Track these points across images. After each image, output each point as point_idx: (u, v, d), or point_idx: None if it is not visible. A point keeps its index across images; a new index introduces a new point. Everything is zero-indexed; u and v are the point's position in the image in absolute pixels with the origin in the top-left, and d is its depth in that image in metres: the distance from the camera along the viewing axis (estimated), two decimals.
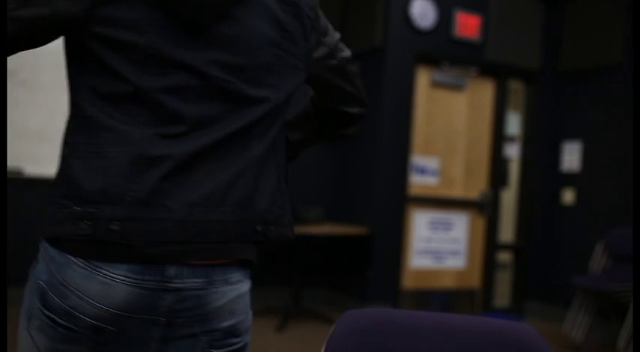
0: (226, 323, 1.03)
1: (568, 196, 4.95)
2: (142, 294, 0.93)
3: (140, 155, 0.92)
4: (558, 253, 5.00)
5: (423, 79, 4.77)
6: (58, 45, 4.21)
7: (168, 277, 0.95)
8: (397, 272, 4.59)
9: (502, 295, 5.24)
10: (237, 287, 1.03)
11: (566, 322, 4.37)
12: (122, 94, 0.94)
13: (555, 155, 5.14)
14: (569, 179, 4.97)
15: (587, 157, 4.84)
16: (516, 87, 5.26)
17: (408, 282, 4.72)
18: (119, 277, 0.92)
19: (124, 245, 0.91)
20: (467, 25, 4.79)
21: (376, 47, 4.66)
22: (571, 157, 4.97)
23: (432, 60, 4.73)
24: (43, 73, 4.16)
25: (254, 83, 1.02)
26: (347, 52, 1.23)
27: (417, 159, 4.74)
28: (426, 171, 4.77)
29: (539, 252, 5.18)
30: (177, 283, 0.95)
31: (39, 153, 4.14)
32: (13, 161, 4.07)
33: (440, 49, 4.72)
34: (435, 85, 4.80)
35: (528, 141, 5.18)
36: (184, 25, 0.95)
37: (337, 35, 1.22)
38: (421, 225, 4.75)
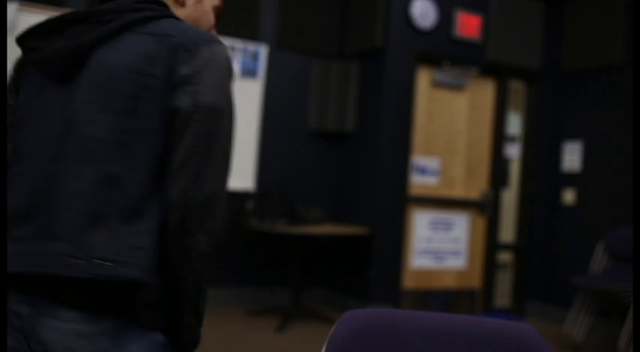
0: None
1: (569, 196, 4.95)
2: (9, 312, 1.04)
3: None
4: (559, 253, 5.00)
5: (423, 78, 4.77)
6: None
7: (10, 300, 1.03)
8: (398, 272, 4.59)
9: (502, 295, 5.24)
10: (72, 326, 0.99)
11: (566, 322, 4.37)
12: (11, 155, 1.11)
13: (556, 155, 5.14)
14: (570, 179, 4.97)
15: (587, 157, 4.84)
16: (517, 87, 5.26)
17: (408, 282, 4.72)
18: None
19: None
20: (467, 25, 4.79)
21: (377, 47, 4.66)
22: (571, 157, 4.97)
23: (433, 60, 4.73)
24: None
25: (97, 110, 1.04)
26: (213, 136, 1.06)
27: (418, 159, 4.74)
28: (426, 171, 4.77)
29: (539, 252, 5.18)
30: (14, 306, 1.02)
31: None
32: None
33: (440, 49, 4.72)
34: (436, 84, 4.80)
35: (529, 141, 5.18)
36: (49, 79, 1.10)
37: (216, 103, 1.07)
38: (422, 225, 4.75)
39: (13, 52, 4.07)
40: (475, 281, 4.98)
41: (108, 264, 0.98)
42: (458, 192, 4.89)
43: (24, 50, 1.10)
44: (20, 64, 1.15)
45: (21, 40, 1.10)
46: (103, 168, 1.01)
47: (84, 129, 1.03)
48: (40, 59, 1.09)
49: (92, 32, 1.07)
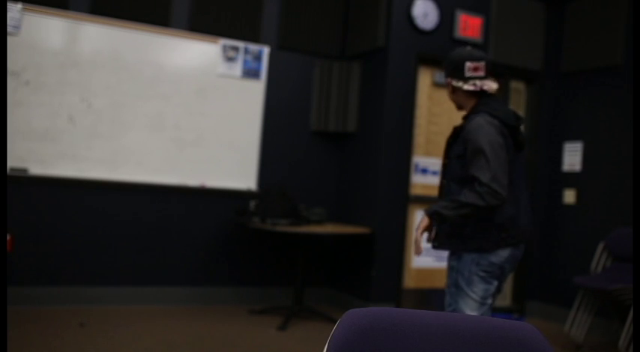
0: None
1: (569, 196, 4.96)
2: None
3: None
4: (559, 253, 5.01)
5: (424, 79, 4.78)
6: (61, 45, 4.23)
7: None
8: (399, 271, 4.61)
9: (503, 295, 5.25)
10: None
11: (567, 322, 4.38)
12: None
13: (556, 155, 5.15)
14: (571, 179, 4.98)
15: (588, 157, 4.85)
16: (518, 87, 5.27)
17: (409, 282, 4.74)
18: None
19: None
20: (468, 25, 4.80)
21: (378, 48, 4.67)
22: (572, 157, 4.98)
23: (434, 60, 4.74)
24: (47, 74, 4.18)
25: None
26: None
27: (419, 159, 4.76)
28: (427, 171, 4.78)
29: (540, 251, 5.19)
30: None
31: (43, 153, 4.16)
32: (17, 161, 4.09)
33: (442, 50, 4.73)
34: (437, 85, 4.81)
35: (529, 141, 5.19)
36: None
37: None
38: None
39: (14, 52, 4.08)
40: None
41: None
42: None
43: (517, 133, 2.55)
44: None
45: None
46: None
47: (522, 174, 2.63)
48: (519, 140, 2.56)
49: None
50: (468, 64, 2.58)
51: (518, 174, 2.56)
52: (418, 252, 2.50)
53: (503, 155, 2.41)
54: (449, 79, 2.64)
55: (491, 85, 2.59)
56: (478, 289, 2.50)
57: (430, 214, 2.46)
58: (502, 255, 2.49)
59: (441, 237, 2.59)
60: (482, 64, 2.60)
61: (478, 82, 2.58)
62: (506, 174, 2.41)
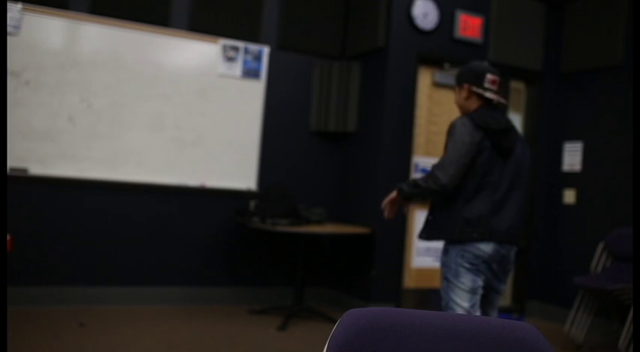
0: None
1: (569, 196, 4.96)
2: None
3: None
4: (559, 253, 5.01)
5: (424, 79, 4.78)
6: (61, 45, 4.23)
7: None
8: (399, 271, 4.61)
9: (503, 295, 5.25)
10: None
11: (567, 322, 4.38)
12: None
13: (556, 155, 5.15)
14: (571, 179, 4.98)
15: (588, 157, 4.85)
16: (518, 87, 5.27)
17: (409, 282, 4.74)
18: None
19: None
20: (468, 25, 4.80)
21: (378, 48, 4.67)
22: (572, 157, 4.98)
23: (434, 60, 4.74)
24: (47, 74, 4.18)
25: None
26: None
27: (419, 159, 4.76)
28: (427, 172, 4.78)
29: (540, 251, 5.19)
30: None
31: (43, 153, 4.16)
32: (17, 161, 4.09)
33: (442, 50, 4.73)
34: (437, 85, 4.81)
35: (529, 141, 5.19)
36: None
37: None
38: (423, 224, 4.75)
39: (14, 52, 4.08)
40: None
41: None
42: None
43: (495, 138, 2.67)
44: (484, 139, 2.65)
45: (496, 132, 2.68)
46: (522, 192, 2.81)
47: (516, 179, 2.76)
48: (503, 146, 2.68)
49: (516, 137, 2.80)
50: (489, 76, 2.78)
51: (501, 179, 2.69)
52: (387, 217, 2.91)
53: (464, 150, 2.60)
54: (467, 85, 2.79)
55: (502, 100, 2.83)
56: (466, 280, 2.63)
57: (397, 188, 2.81)
58: (484, 250, 2.61)
59: (427, 228, 2.80)
60: (498, 80, 2.81)
61: (495, 95, 2.80)
62: (456, 166, 2.61)
